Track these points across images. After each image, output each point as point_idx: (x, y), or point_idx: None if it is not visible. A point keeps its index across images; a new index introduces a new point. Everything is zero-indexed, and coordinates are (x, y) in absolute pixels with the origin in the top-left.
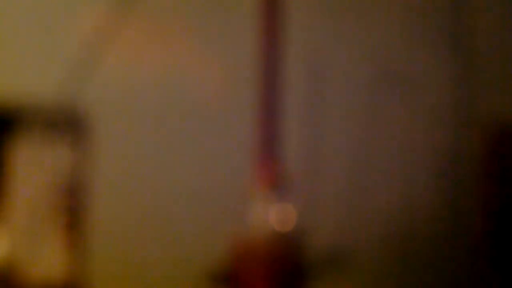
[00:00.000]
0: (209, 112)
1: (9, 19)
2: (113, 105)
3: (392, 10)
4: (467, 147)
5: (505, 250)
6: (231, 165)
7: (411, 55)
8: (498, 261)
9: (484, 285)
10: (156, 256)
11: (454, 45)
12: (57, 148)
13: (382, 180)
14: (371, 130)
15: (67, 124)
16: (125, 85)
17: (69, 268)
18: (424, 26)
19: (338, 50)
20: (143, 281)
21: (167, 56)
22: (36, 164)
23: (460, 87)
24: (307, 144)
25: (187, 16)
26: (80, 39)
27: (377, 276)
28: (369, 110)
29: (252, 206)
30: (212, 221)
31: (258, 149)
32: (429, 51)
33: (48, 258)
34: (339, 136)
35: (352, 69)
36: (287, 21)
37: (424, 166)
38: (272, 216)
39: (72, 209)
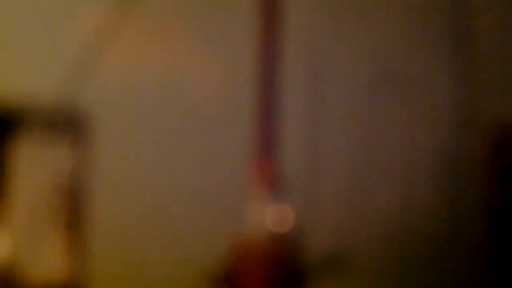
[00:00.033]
0: (209, 112)
1: (9, 19)
2: (113, 105)
3: (392, 10)
4: (467, 147)
5: (505, 250)
6: (231, 165)
7: (411, 55)
8: (498, 261)
9: (484, 285)
10: (156, 256)
11: (454, 45)
12: (57, 148)
13: (382, 180)
14: (371, 130)
15: (67, 124)
16: (125, 85)
17: (69, 268)
18: (424, 26)
19: (338, 50)
20: (143, 281)
21: (167, 56)
22: (36, 164)
23: (460, 87)
24: (307, 144)
25: (187, 16)
26: (80, 39)
27: (377, 276)
28: (369, 110)
29: (250, 206)
30: (212, 221)
31: (256, 149)
32: (429, 51)
33: (49, 258)
34: (339, 136)
35: (352, 69)
36: (286, 21)
37: (424, 166)
38: (269, 217)
39: (72, 209)
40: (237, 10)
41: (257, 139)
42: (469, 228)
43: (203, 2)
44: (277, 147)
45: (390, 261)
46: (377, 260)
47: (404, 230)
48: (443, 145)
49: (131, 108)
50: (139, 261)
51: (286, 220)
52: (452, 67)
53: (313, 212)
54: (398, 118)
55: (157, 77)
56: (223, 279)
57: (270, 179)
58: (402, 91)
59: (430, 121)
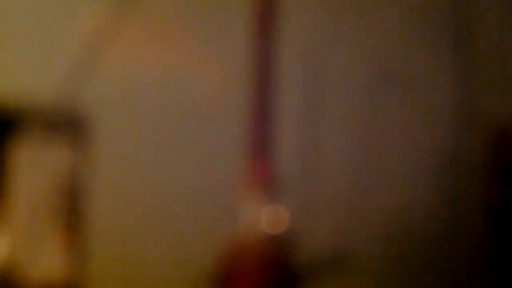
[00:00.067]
0: (210, 112)
1: (9, 19)
2: (113, 105)
3: (392, 10)
4: (467, 147)
5: (505, 250)
6: (232, 165)
7: (411, 55)
8: (498, 261)
9: (484, 285)
10: (156, 256)
11: (454, 45)
12: (57, 149)
13: (382, 180)
14: (371, 130)
15: (67, 124)
16: (125, 85)
17: (69, 268)
18: (424, 26)
19: (338, 50)
20: (143, 281)
21: (167, 56)
22: (36, 164)
23: (460, 87)
24: (307, 144)
25: (187, 16)
26: (80, 39)
27: (377, 276)
28: (369, 110)
29: (243, 207)
30: (213, 221)
31: (250, 150)
32: (429, 51)
33: (48, 258)
34: (339, 136)
35: (352, 69)
36: (283, 21)
37: (424, 166)
38: (263, 218)
39: (72, 209)
40: (238, 10)
41: (251, 139)
42: (469, 228)
43: (203, 2)
44: (271, 148)
45: (390, 261)
46: (377, 260)
47: (404, 230)
48: (443, 145)
49: (131, 108)
50: (139, 261)
51: (280, 221)
52: (452, 67)
53: (313, 212)
54: (398, 118)
55: (157, 77)
56: (218, 280)
57: (263, 180)
58: (402, 91)
59: (430, 121)
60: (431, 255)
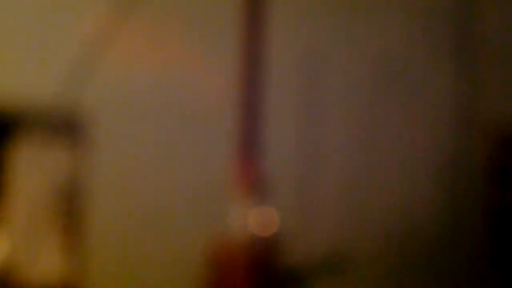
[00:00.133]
0: (209, 112)
1: (9, 19)
2: (113, 106)
3: (393, 11)
4: (468, 148)
5: (505, 250)
6: (231, 165)
7: (411, 55)
8: (498, 261)
9: (484, 285)
10: (156, 256)
11: (454, 45)
12: (57, 150)
13: (382, 180)
14: (371, 130)
15: (66, 125)
16: (125, 85)
17: (68, 269)
18: (424, 27)
19: (338, 51)
20: (143, 281)
21: (167, 57)
22: (36, 166)
23: (460, 87)
24: (307, 144)
25: (187, 17)
26: (80, 40)
27: (377, 276)
28: (369, 110)
29: (232, 209)
30: (213, 222)
31: (238, 151)
32: (429, 51)
33: (48, 259)
34: (339, 136)
35: (352, 69)
36: (272, 21)
37: (424, 166)
38: (251, 220)
39: (71, 210)
40: (237, 13)
41: (240, 141)
42: (469, 228)
43: (202, 3)
44: (260, 149)
45: (390, 261)
46: (377, 260)
47: (404, 230)
48: (443, 145)
49: (131, 109)
50: (139, 261)
51: (270, 223)
52: (452, 68)
53: (313, 212)
54: (398, 118)
55: (156, 78)
56: (207, 281)
57: (251, 181)
58: (402, 92)
59: (430, 121)
60: (431, 255)
